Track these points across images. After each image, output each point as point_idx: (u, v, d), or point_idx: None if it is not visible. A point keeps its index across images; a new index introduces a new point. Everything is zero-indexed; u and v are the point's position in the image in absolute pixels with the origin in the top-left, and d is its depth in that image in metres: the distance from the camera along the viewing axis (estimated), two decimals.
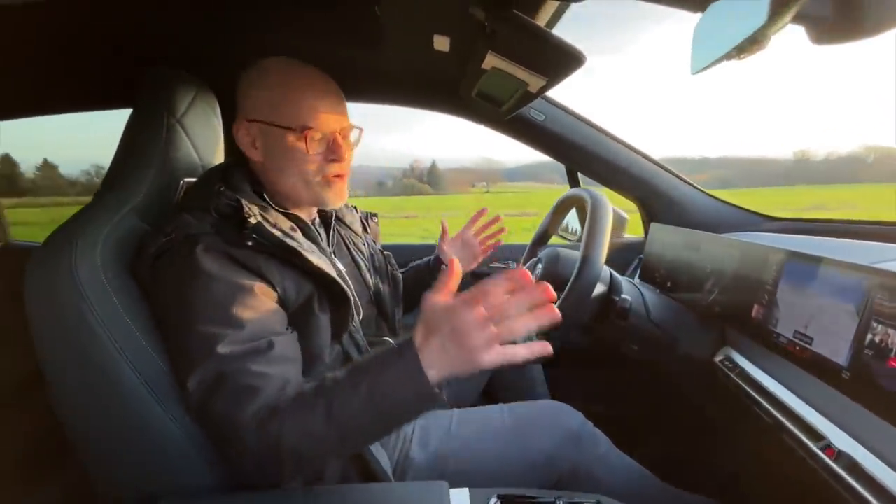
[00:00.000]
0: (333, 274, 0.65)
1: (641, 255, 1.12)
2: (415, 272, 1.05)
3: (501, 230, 1.02)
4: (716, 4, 0.44)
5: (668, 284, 0.92)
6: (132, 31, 0.81)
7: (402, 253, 1.25)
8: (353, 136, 0.74)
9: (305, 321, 0.64)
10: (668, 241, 0.97)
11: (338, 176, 0.71)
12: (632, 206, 1.26)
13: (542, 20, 0.66)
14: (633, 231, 1.30)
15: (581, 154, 1.12)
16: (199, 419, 0.57)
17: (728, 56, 0.43)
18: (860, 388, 0.47)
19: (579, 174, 1.25)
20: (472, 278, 1.03)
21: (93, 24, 0.75)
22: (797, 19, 0.44)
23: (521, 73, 0.69)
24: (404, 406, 0.51)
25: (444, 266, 1.00)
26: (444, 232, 1.03)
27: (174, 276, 0.58)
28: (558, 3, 0.63)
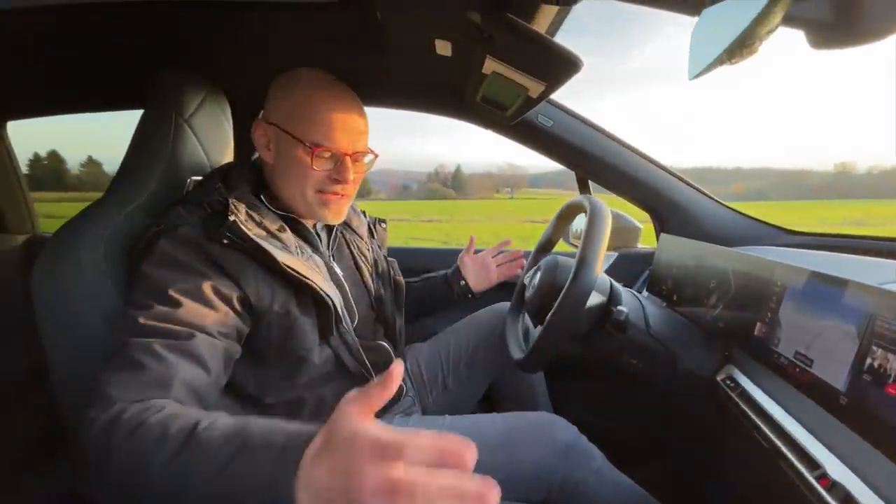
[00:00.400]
0: (309, 276, 0.65)
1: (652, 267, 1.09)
2: (426, 281, 1.07)
3: (520, 266, 1.06)
4: (710, 8, 0.43)
5: (674, 298, 0.89)
6: (146, 36, 0.84)
7: (412, 257, 1.26)
8: (366, 159, 0.74)
9: (288, 324, 0.65)
10: (676, 252, 0.94)
11: (338, 195, 0.72)
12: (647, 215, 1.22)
13: (542, 25, 0.65)
14: (648, 242, 1.26)
15: (590, 161, 1.10)
16: None
17: (720, 60, 0.41)
18: (857, 415, 0.44)
19: (592, 182, 1.23)
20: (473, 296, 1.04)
21: (108, 28, 0.79)
22: (795, 23, 0.42)
23: (519, 77, 0.69)
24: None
25: (463, 282, 1.04)
26: (470, 244, 1.07)
27: (144, 257, 0.60)
28: (558, 8, 0.62)
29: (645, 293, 1.03)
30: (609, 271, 1.18)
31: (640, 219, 1.22)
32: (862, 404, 0.43)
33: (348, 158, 0.70)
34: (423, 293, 1.05)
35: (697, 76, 0.49)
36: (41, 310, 0.61)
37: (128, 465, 0.43)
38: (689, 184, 1.14)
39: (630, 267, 1.17)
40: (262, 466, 0.38)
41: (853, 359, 0.45)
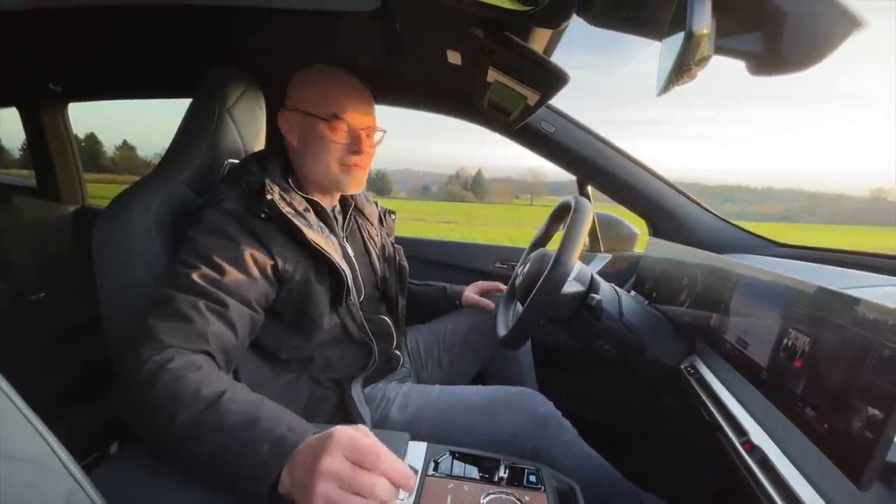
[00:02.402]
0: (329, 251, 0.75)
1: None
2: (426, 287, 1.18)
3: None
4: (666, 38, 0.51)
5: (654, 295, 0.96)
6: (194, 33, 0.96)
7: (416, 246, 1.36)
8: (377, 136, 0.84)
9: (306, 291, 0.75)
10: (660, 255, 1.01)
11: (357, 165, 0.82)
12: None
13: (538, 43, 0.74)
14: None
15: (589, 167, 1.18)
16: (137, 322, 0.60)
17: (670, 81, 0.49)
18: (773, 387, 0.52)
19: (592, 189, 1.30)
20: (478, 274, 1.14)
21: (162, 23, 0.91)
22: (732, 53, 0.50)
23: (518, 87, 0.78)
24: (238, 470, 0.47)
25: (458, 302, 1.15)
26: (483, 290, 1.15)
27: (192, 224, 0.70)
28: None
29: (632, 292, 1.10)
30: (602, 271, 1.25)
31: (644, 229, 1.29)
32: (777, 378, 0.51)
33: (362, 132, 0.80)
34: (420, 295, 1.16)
35: (661, 94, 0.57)
36: (100, 266, 0.71)
37: (163, 407, 0.51)
38: (683, 194, 1.20)
39: (622, 268, 1.24)
40: (259, 447, 0.46)
41: (774, 340, 0.53)
